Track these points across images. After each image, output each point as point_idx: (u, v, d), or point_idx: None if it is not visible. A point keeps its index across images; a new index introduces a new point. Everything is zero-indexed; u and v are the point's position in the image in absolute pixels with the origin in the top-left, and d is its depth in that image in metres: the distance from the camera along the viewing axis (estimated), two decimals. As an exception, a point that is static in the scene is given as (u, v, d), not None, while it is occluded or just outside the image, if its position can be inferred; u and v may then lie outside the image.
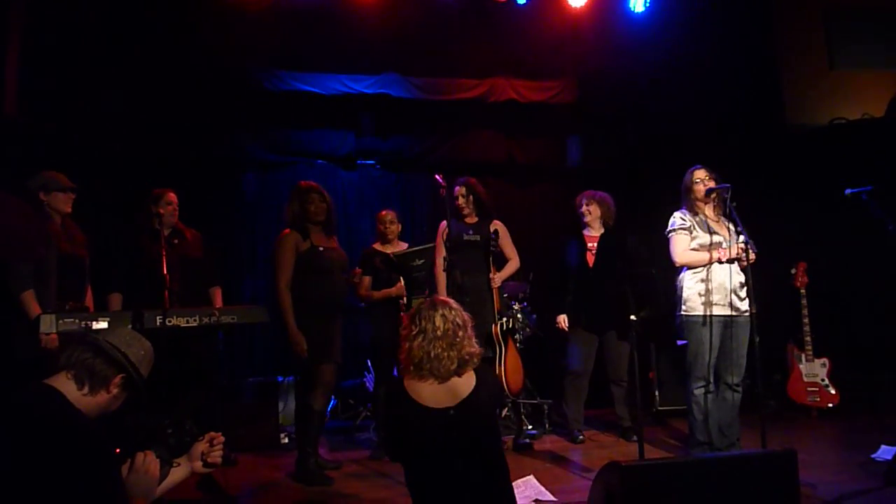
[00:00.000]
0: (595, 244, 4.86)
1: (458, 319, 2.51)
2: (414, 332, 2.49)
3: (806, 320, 5.31)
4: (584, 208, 4.85)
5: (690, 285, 4.03)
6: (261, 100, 6.01)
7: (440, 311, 2.50)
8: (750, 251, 3.81)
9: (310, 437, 4.02)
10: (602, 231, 4.89)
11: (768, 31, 6.84)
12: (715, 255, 3.96)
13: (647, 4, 6.43)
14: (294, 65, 6.06)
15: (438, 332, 2.45)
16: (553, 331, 4.96)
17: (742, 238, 3.79)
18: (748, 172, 5.69)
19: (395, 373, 4.85)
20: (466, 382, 2.47)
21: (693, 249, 4.03)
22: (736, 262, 3.98)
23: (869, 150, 5.96)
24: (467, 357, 2.47)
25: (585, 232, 4.90)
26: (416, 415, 2.40)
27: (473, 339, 2.54)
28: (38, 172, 3.86)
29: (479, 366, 2.54)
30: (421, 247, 4.61)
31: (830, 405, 5.26)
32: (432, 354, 2.42)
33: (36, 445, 1.79)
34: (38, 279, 3.67)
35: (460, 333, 2.48)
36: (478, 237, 4.68)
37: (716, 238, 4.00)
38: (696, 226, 4.05)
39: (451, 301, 2.57)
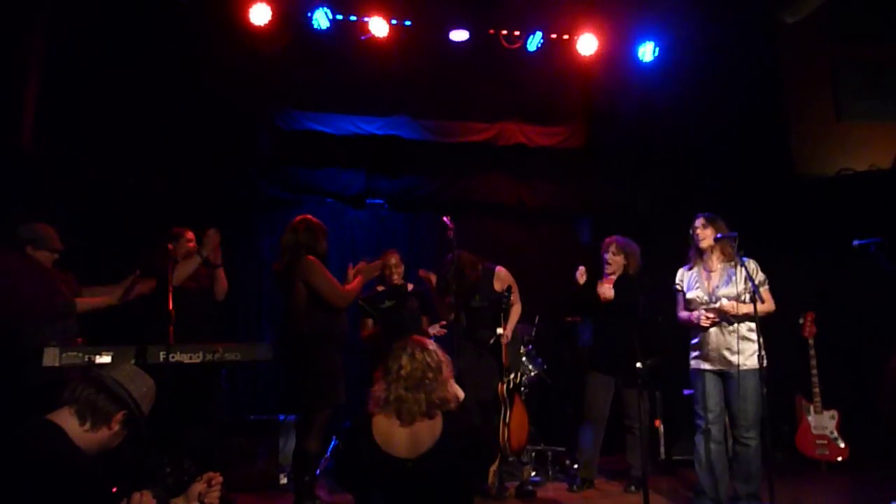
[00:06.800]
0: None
1: (429, 360, 2.38)
2: (383, 370, 2.41)
3: (814, 371, 5.22)
4: (608, 256, 4.75)
5: (692, 339, 4.14)
6: (274, 138, 6.08)
7: (409, 351, 2.39)
8: (738, 306, 3.87)
9: (304, 481, 3.92)
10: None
11: (776, 81, 6.91)
12: (694, 315, 4.02)
13: (656, 54, 6.53)
14: (307, 105, 6.16)
15: (403, 373, 2.34)
16: (560, 375, 4.90)
17: (750, 287, 3.78)
18: (756, 221, 5.68)
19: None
20: (431, 431, 2.32)
21: (688, 304, 4.11)
22: (730, 318, 3.95)
23: (877, 202, 5.97)
24: (437, 402, 2.33)
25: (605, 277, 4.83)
26: (373, 457, 2.27)
27: (450, 384, 2.41)
28: (32, 224, 3.86)
29: (452, 413, 2.38)
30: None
31: (840, 459, 5.14)
32: (393, 396, 2.31)
33: (34, 483, 1.77)
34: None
35: (430, 375, 2.35)
36: (486, 303, 4.71)
37: (697, 294, 4.05)
38: (690, 281, 4.14)
39: (429, 342, 2.46)
